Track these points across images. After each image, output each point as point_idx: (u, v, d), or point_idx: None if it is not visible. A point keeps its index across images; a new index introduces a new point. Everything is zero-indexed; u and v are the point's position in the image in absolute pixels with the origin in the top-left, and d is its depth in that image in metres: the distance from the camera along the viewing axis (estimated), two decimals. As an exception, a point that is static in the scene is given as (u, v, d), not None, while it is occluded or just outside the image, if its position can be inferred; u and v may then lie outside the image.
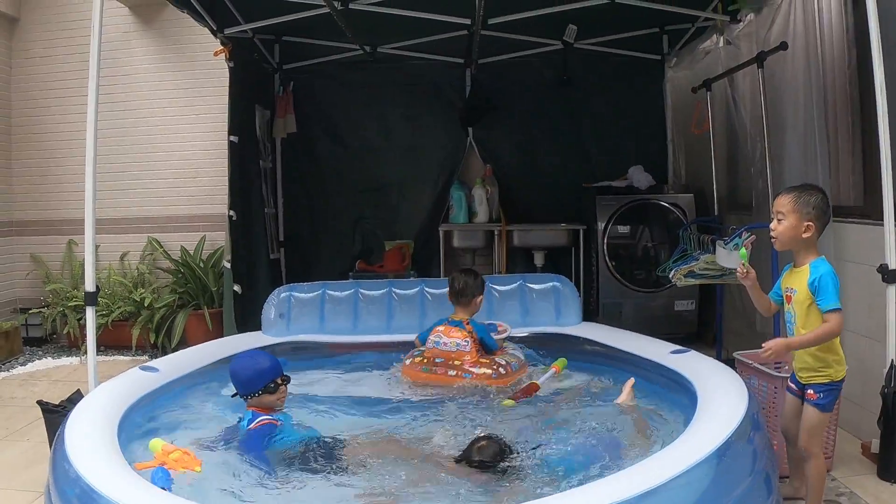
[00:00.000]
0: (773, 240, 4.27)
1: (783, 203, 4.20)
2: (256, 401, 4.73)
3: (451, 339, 5.90)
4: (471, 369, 5.74)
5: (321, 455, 4.38)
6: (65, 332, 9.70)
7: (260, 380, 4.74)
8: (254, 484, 4.12)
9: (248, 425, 4.64)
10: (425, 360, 5.93)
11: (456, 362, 5.82)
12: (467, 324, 6.00)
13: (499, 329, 6.40)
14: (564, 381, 5.89)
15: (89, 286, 5.70)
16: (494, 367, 5.78)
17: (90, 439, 4.05)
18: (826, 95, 6.10)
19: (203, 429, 4.93)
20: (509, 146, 9.51)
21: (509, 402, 5.26)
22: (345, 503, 3.94)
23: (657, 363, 5.55)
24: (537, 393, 5.51)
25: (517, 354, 6.11)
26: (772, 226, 4.25)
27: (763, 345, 4.28)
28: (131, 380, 5.27)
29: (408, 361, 6.05)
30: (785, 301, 4.36)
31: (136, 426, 4.81)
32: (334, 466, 4.29)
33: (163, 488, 3.74)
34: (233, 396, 4.89)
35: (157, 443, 4.43)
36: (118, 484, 3.45)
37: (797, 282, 4.23)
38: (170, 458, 4.26)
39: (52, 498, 3.77)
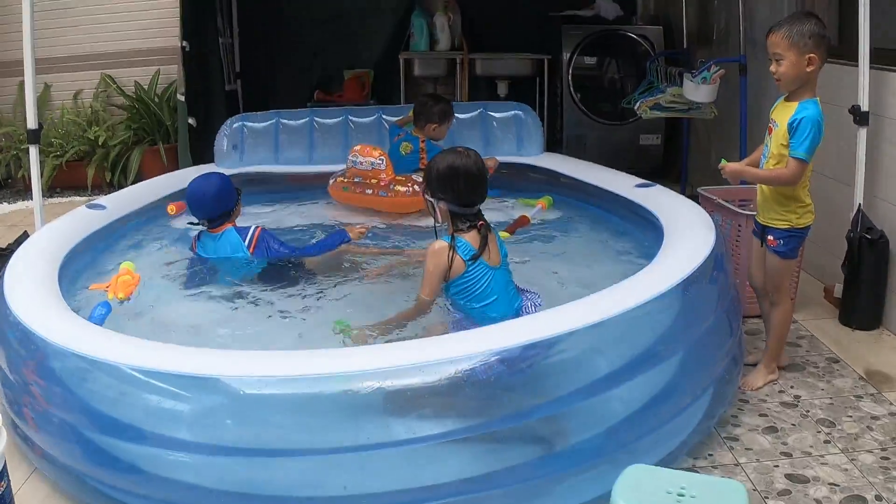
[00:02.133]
0: (777, 82, 3.95)
1: (776, 42, 3.83)
2: (228, 218, 4.72)
3: (366, 158, 5.88)
4: (389, 187, 5.74)
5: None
6: (19, 175, 9.44)
7: (231, 196, 4.72)
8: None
9: (246, 243, 4.64)
10: (346, 181, 5.94)
11: (372, 181, 5.80)
12: (423, 142, 6.02)
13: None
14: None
15: (31, 123, 5.47)
16: (410, 184, 5.71)
17: (30, 281, 3.97)
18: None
19: (159, 263, 4.88)
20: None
21: (505, 234, 5.12)
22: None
23: (622, 196, 5.47)
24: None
25: None
26: (771, 69, 3.91)
27: (722, 165, 4.17)
28: (77, 218, 5.18)
29: (331, 181, 6.06)
30: (767, 132, 4.11)
31: (83, 265, 4.77)
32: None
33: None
34: (197, 224, 4.77)
35: (128, 264, 4.48)
36: (55, 324, 3.41)
37: (782, 116, 3.97)
38: (120, 280, 4.31)
39: None
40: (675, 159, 8.52)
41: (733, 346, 3.86)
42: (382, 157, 5.82)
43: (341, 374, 2.85)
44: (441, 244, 3.76)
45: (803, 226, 4.08)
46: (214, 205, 4.66)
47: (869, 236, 4.80)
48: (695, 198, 5.20)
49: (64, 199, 8.98)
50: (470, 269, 3.74)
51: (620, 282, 3.61)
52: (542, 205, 5.78)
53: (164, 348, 3.16)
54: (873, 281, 4.87)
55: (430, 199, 3.88)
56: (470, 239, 3.79)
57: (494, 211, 5.87)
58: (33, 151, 5.47)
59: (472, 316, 3.76)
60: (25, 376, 3.36)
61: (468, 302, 3.78)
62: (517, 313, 3.83)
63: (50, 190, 9.07)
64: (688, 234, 4.22)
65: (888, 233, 4.81)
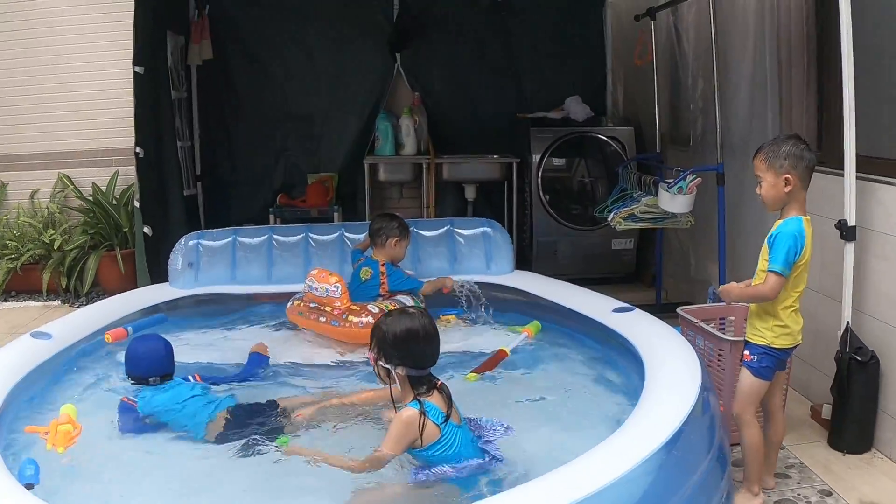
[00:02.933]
0: (764, 204, 4.02)
1: (757, 165, 3.97)
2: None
3: (321, 284, 5.66)
4: (342, 317, 5.52)
5: None
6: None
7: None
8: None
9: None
10: (301, 304, 5.76)
11: (326, 308, 5.60)
12: (382, 265, 5.85)
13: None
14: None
15: None
16: (364, 314, 5.49)
17: None
18: (779, 31, 5.68)
19: (104, 403, 4.55)
20: (439, 73, 8.98)
21: (472, 375, 4.93)
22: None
23: (600, 323, 5.23)
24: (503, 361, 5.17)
25: (404, 301, 5.68)
26: (756, 190, 3.99)
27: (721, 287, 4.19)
28: (20, 351, 4.83)
29: (289, 304, 5.87)
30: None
31: (24, 402, 4.42)
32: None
33: (28, 484, 3.34)
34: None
35: (69, 408, 4.11)
36: None
37: (771, 231, 3.99)
38: (60, 429, 3.94)
39: None
40: (649, 264, 8.35)
41: (725, 485, 3.57)
42: (338, 284, 5.59)
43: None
44: (411, 412, 3.55)
45: (779, 347, 4.02)
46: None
47: (859, 357, 4.64)
48: (669, 307, 5.25)
49: (19, 304, 8.74)
50: (444, 432, 3.55)
51: (599, 445, 3.30)
52: (527, 332, 5.50)
53: None
54: (864, 402, 4.70)
55: (386, 365, 3.65)
56: (435, 401, 3.60)
57: (475, 336, 5.74)
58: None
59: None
60: None
61: (440, 464, 3.56)
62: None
63: (4, 294, 8.79)
64: (670, 373, 3.99)
65: (878, 352, 4.66)
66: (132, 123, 7.27)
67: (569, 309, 5.63)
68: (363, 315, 5.48)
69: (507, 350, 5.18)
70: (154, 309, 6.03)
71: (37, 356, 4.77)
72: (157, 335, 4.74)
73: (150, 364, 4.44)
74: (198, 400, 4.29)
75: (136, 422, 4.27)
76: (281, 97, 8.91)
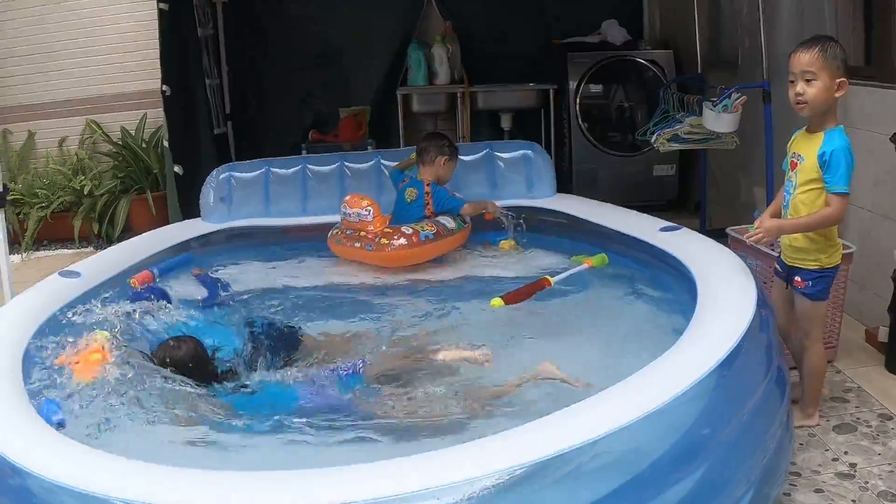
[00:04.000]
0: (800, 105, 3.68)
1: (810, 61, 3.60)
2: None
3: (353, 209, 5.56)
4: (375, 241, 5.44)
5: None
6: (3, 227, 9.10)
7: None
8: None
9: None
10: (339, 233, 5.64)
11: (361, 234, 5.47)
12: (427, 185, 5.69)
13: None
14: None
15: None
16: (396, 237, 5.36)
17: None
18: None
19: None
20: (472, 0, 8.73)
21: (497, 301, 4.65)
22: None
23: (647, 243, 5.02)
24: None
25: (443, 223, 5.56)
26: (798, 89, 3.64)
27: (756, 224, 3.84)
28: (49, 290, 4.73)
29: (329, 234, 5.74)
30: (789, 167, 3.85)
31: (53, 344, 4.16)
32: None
33: (58, 425, 3.25)
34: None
35: (102, 335, 3.97)
36: (10, 433, 2.96)
37: (807, 148, 3.73)
38: (90, 358, 3.85)
39: None
40: (691, 191, 8.14)
41: (783, 413, 3.39)
42: (370, 208, 5.48)
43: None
44: None
45: (833, 265, 3.87)
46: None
47: (917, 275, 4.43)
48: (715, 234, 4.90)
49: (51, 252, 8.66)
50: None
51: (654, 362, 3.13)
52: (589, 263, 5.18)
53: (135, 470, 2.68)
54: (922, 323, 4.48)
55: None
56: None
57: (529, 263, 5.56)
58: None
59: None
60: None
61: None
62: None
63: (36, 242, 8.70)
64: (725, 289, 3.80)
65: (938, 268, 4.44)
66: (156, 65, 7.15)
67: (614, 230, 5.45)
68: (395, 237, 5.36)
69: (552, 280, 4.86)
70: (186, 245, 5.94)
71: (66, 294, 4.67)
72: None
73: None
74: None
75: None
76: (310, 31, 8.68)
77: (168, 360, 3.83)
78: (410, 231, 5.37)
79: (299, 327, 4.39)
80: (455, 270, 5.55)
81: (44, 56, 9.26)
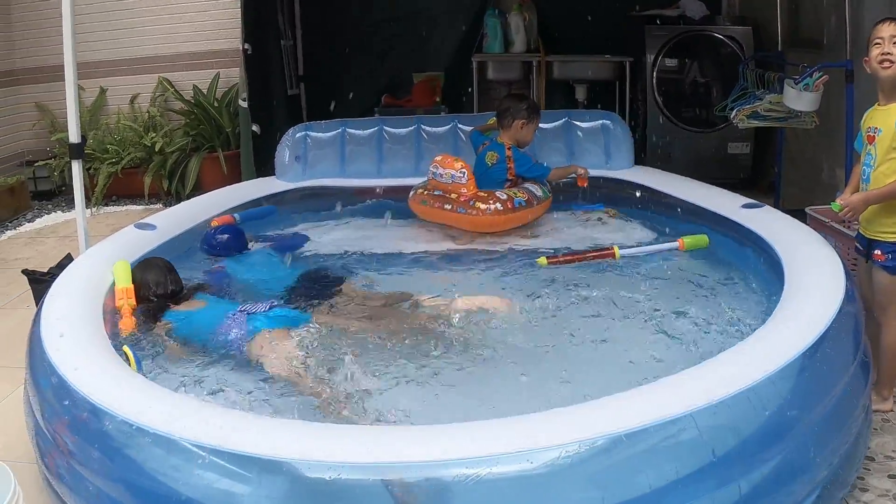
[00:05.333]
0: (885, 64, 3.63)
1: None
2: None
3: (445, 169, 5.40)
4: (469, 204, 5.26)
5: None
6: (74, 183, 9.17)
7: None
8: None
9: None
10: (425, 193, 5.51)
11: (452, 195, 5.34)
12: (509, 149, 5.56)
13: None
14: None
15: (73, 136, 5.12)
16: (492, 201, 5.23)
17: (68, 321, 3.55)
18: None
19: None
20: (551, -33, 8.62)
21: (542, 260, 4.70)
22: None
23: (729, 220, 4.89)
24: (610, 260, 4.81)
25: (532, 190, 5.46)
26: (886, 49, 3.61)
27: (839, 201, 3.78)
28: (124, 241, 4.79)
29: (411, 193, 5.63)
30: (866, 142, 3.79)
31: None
32: None
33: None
34: None
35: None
36: (96, 378, 2.99)
37: (883, 120, 3.69)
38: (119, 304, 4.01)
39: (29, 385, 3.35)
40: (764, 169, 7.95)
41: (865, 397, 3.31)
42: (464, 170, 5.32)
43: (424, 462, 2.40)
44: None
45: None
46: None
47: None
48: (790, 214, 4.75)
49: (120, 208, 8.74)
50: None
51: (745, 340, 3.09)
52: (679, 244, 4.96)
53: (221, 416, 2.72)
54: None
55: None
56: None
57: (623, 233, 5.40)
58: (76, 167, 5.10)
59: None
60: (59, 432, 2.93)
61: None
62: None
63: (105, 198, 8.77)
64: (813, 269, 3.71)
65: None
66: (231, 25, 7.16)
67: (694, 205, 5.32)
68: (491, 202, 5.24)
69: (619, 253, 4.79)
70: (260, 202, 6.00)
71: (141, 246, 4.73)
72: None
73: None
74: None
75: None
76: (385, -7, 8.68)
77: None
78: (505, 196, 5.26)
79: (343, 279, 4.49)
80: (562, 238, 5.41)
81: (118, 13, 9.32)
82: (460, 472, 2.34)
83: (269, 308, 3.92)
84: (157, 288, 4.16)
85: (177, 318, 4.00)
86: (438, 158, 5.50)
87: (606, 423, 2.48)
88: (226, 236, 5.12)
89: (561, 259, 4.75)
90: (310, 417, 3.14)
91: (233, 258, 4.89)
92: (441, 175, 5.41)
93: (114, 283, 4.13)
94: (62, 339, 3.33)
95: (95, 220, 8.09)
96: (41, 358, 3.25)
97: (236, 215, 5.41)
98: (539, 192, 5.44)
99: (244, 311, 3.90)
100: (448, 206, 5.34)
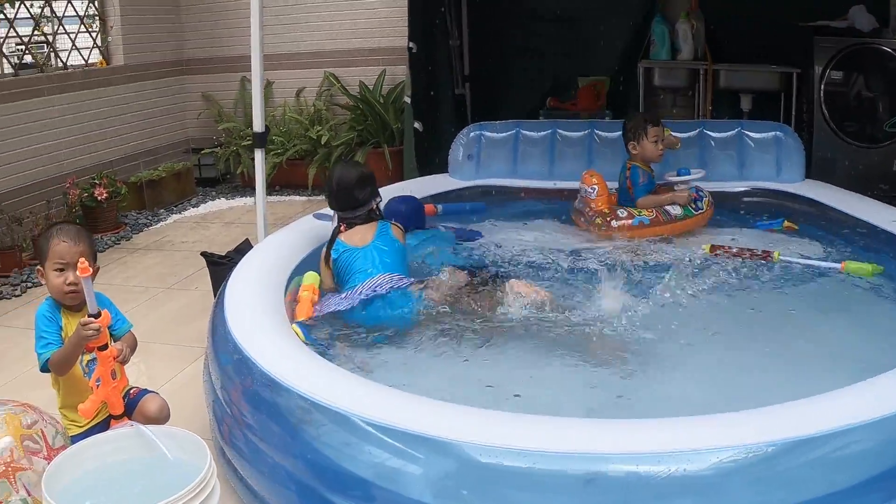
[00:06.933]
0: None
1: None
2: None
3: (583, 185, 5.66)
4: (592, 218, 5.56)
5: None
6: (238, 171, 9.51)
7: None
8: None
9: None
10: (577, 202, 5.78)
11: (586, 209, 5.59)
12: (628, 168, 5.69)
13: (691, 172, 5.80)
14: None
15: (257, 126, 5.37)
16: (612, 217, 5.44)
17: (251, 304, 3.80)
18: None
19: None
20: (719, -25, 8.52)
21: (707, 247, 4.98)
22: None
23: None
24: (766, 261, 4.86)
25: (667, 209, 5.50)
26: None
27: None
28: (303, 230, 5.05)
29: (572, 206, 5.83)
30: None
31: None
32: None
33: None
34: None
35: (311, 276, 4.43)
36: (277, 354, 3.23)
37: None
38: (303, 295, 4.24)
39: (210, 362, 3.55)
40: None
41: None
42: (595, 186, 5.57)
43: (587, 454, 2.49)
44: None
45: None
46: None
47: None
48: None
49: (283, 198, 9.01)
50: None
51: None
52: (841, 266, 4.79)
53: (395, 397, 2.88)
54: None
55: None
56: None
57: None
58: (259, 156, 5.34)
59: None
60: (240, 407, 3.14)
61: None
62: None
63: (269, 188, 9.01)
64: None
65: None
66: (399, 23, 7.29)
67: (874, 226, 5.13)
68: (611, 219, 5.43)
69: (777, 256, 4.86)
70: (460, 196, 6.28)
71: (319, 236, 4.93)
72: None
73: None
74: None
75: None
76: (550, -2, 8.70)
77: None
78: (625, 214, 5.42)
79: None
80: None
81: (285, 8, 9.59)
82: (650, 468, 2.41)
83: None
84: None
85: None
86: (584, 173, 5.70)
87: (785, 428, 2.53)
88: (406, 206, 5.38)
89: (724, 249, 4.92)
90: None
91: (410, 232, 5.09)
92: (584, 190, 5.62)
93: (298, 280, 4.37)
94: (246, 319, 3.55)
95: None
96: (225, 337, 3.45)
97: (439, 206, 5.60)
98: (675, 211, 5.49)
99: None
100: (582, 219, 5.60)
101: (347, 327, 4.05)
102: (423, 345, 3.89)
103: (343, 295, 4.27)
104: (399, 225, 4.72)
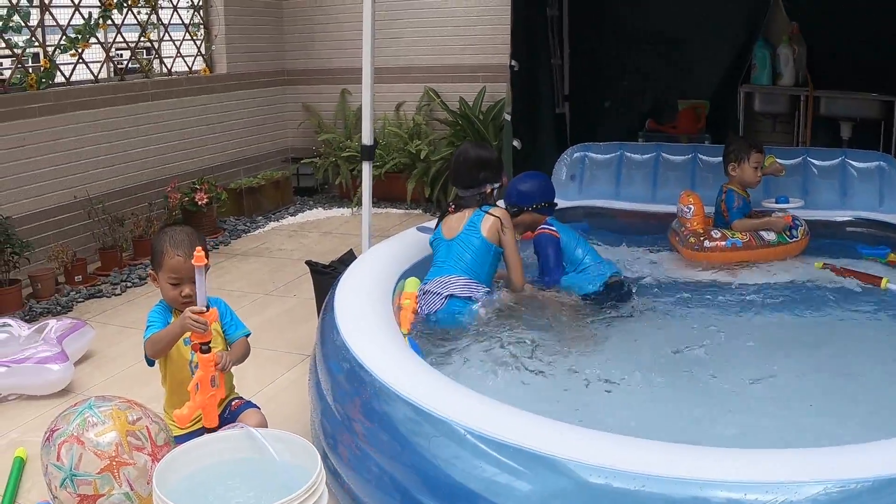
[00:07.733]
0: None
1: None
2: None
3: (680, 204, 5.73)
4: (686, 237, 5.60)
5: None
6: (336, 182, 9.69)
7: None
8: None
9: None
10: (675, 223, 5.84)
11: (682, 230, 5.66)
12: (724, 192, 5.72)
13: (790, 201, 5.86)
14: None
15: (366, 139, 5.49)
16: (705, 238, 5.48)
17: (362, 313, 3.88)
18: None
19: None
20: (820, 1, 8.36)
21: (819, 264, 5.11)
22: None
23: None
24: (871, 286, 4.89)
25: (762, 234, 5.51)
26: None
27: None
28: (407, 243, 5.15)
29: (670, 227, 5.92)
30: None
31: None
32: None
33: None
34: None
35: (413, 284, 4.45)
36: (390, 364, 3.28)
37: None
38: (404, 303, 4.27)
39: (320, 369, 3.64)
40: None
41: None
42: (692, 206, 5.62)
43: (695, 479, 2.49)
44: None
45: None
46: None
47: None
48: None
49: (381, 210, 9.16)
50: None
51: None
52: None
53: (508, 413, 2.92)
54: None
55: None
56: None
57: None
58: (366, 168, 5.49)
59: None
60: (349, 412, 3.23)
61: None
62: None
63: (367, 199, 9.22)
64: None
65: None
66: (500, 41, 7.38)
67: None
68: (703, 239, 5.48)
69: (886, 283, 4.89)
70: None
71: (421, 248, 5.04)
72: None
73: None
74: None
75: None
76: (651, 19, 8.68)
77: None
78: (718, 235, 5.47)
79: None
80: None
81: (385, 22, 9.63)
82: (757, 496, 2.40)
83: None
84: None
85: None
86: (682, 193, 5.78)
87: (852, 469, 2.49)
88: (527, 185, 5.24)
89: (833, 268, 5.05)
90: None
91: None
92: (680, 209, 5.69)
93: (400, 285, 4.47)
94: (359, 328, 3.65)
95: (356, 220, 8.52)
96: (336, 345, 3.54)
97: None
98: (770, 237, 5.50)
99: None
100: (677, 238, 5.65)
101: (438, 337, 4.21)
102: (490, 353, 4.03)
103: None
104: (499, 215, 4.61)
